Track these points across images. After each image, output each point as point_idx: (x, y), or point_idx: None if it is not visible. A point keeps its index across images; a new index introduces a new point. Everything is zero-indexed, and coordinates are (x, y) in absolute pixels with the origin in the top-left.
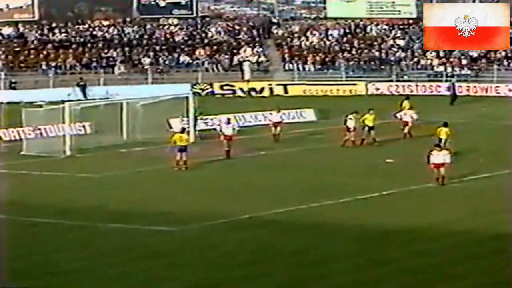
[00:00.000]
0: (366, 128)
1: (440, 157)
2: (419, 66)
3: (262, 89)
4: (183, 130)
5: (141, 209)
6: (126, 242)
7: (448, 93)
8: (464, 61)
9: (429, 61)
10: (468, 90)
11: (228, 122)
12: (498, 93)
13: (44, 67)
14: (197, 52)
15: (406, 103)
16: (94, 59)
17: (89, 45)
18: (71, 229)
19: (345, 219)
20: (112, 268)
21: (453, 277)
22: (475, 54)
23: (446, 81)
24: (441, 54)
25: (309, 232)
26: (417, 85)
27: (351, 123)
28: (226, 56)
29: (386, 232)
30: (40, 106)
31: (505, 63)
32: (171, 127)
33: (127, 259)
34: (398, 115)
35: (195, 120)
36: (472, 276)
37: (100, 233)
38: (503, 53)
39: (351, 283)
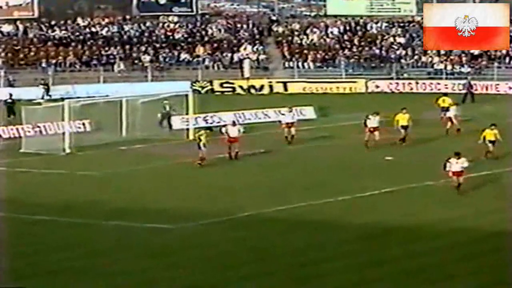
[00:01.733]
0: (400, 127)
1: (458, 165)
2: (419, 64)
3: (262, 87)
4: (208, 128)
5: (141, 207)
6: (125, 240)
7: (463, 91)
8: (464, 59)
9: (429, 59)
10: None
11: (234, 123)
12: (498, 91)
13: (43, 64)
14: (197, 50)
15: (446, 100)
16: (94, 57)
17: (88, 42)
18: (70, 227)
19: (345, 217)
20: (111, 266)
21: (454, 276)
22: (475, 52)
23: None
24: (442, 51)
25: (309, 230)
26: (417, 83)
27: (370, 123)
28: (226, 54)
29: (387, 230)
30: (39, 103)
31: (506, 60)
32: (170, 125)
33: (126, 257)
34: (442, 112)
35: (169, 117)
36: (474, 275)
37: (100, 231)
38: (504, 51)
39: (352, 281)
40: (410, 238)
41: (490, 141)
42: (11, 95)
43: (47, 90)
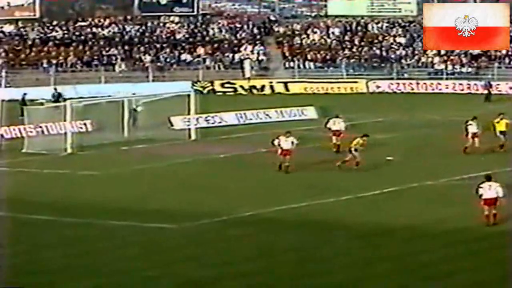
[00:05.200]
0: (498, 133)
1: (492, 191)
2: (419, 64)
3: (263, 87)
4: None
5: (142, 206)
6: (126, 239)
7: (485, 91)
8: (464, 59)
9: (429, 59)
10: (469, 87)
11: (287, 135)
12: (499, 91)
13: (45, 65)
14: (198, 50)
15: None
16: (95, 57)
17: (90, 42)
18: (72, 226)
19: (345, 217)
20: (109, 265)
21: (453, 273)
22: (475, 52)
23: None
24: (442, 52)
25: (309, 229)
26: (417, 83)
27: (472, 129)
28: (227, 54)
29: (387, 229)
30: (42, 104)
31: (506, 60)
32: (172, 125)
33: (126, 255)
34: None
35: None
36: (472, 272)
37: (101, 230)
38: (504, 51)
39: (352, 280)
40: (409, 237)
41: (501, 132)
42: (25, 94)
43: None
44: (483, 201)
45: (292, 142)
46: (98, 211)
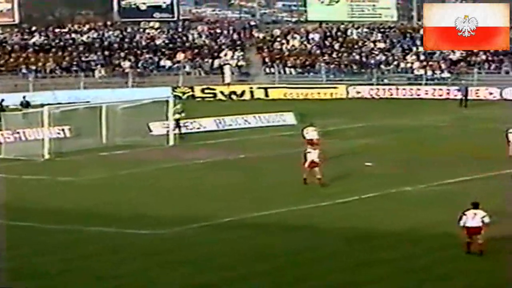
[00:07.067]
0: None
1: (476, 220)
2: (399, 70)
3: (243, 93)
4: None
5: (124, 212)
6: (105, 245)
7: (459, 96)
8: (443, 65)
9: (409, 64)
10: (448, 93)
11: (312, 145)
12: (478, 96)
13: (24, 70)
14: (178, 56)
15: None
16: (74, 63)
17: (69, 48)
18: (49, 232)
19: (331, 222)
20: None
21: (441, 278)
22: (455, 57)
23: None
24: (421, 57)
25: (296, 233)
26: (397, 89)
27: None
28: (207, 60)
29: (373, 233)
30: (20, 109)
31: (486, 66)
32: (151, 131)
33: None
34: None
35: (178, 123)
36: (459, 277)
37: (80, 236)
38: (483, 57)
39: (341, 284)
40: (397, 241)
41: None
42: (2, 100)
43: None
44: (466, 230)
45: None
46: (78, 217)
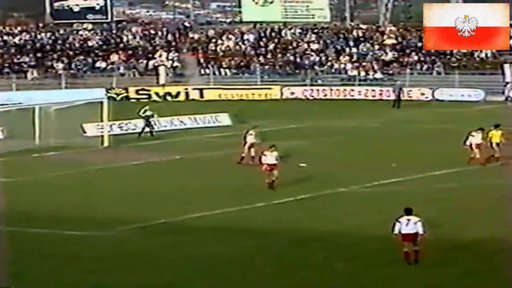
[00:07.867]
0: (494, 145)
1: (410, 226)
2: (333, 70)
3: (178, 94)
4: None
5: (58, 214)
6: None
7: (393, 97)
8: (376, 66)
9: (342, 65)
10: (381, 94)
11: (272, 149)
12: (410, 97)
13: None
14: (112, 57)
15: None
16: (6, 65)
17: (1, 50)
18: None
19: (268, 223)
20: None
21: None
22: (387, 58)
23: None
24: (354, 58)
25: (234, 236)
26: (331, 89)
27: (475, 140)
28: (142, 61)
29: (313, 236)
30: None
31: (418, 67)
32: (85, 132)
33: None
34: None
35: (149, 121)
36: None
37: (17, 238)
38: (416, 57)
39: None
40: (334, 243)
41: (498, 144)
42: None
43: None
44: (401, 237)
45: (276, 158)
46: (13, 219)
